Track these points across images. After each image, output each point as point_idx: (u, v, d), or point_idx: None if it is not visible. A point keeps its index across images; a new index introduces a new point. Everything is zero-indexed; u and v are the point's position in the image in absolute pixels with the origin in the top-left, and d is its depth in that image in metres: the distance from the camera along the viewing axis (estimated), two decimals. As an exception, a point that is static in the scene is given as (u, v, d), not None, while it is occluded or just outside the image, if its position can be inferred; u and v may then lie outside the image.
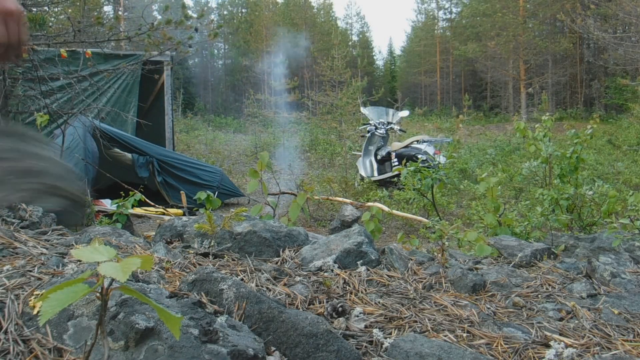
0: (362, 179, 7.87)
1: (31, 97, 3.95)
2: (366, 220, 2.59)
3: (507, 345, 1.10)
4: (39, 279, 1.18)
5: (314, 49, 35.10)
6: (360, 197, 6.76)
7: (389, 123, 8.36)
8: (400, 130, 8.64)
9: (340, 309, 1.22)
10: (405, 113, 9.08)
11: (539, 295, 1.46)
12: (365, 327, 1.18)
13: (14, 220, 1.89)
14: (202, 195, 2.67)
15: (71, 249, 1.52)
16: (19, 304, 1.02)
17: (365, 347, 1.08)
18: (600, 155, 11.16)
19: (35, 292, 1.08)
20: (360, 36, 48.26)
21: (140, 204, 3.61)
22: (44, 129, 3.91)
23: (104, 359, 0.72)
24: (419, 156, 6.45)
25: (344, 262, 1.62)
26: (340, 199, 5.31)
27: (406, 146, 7.79)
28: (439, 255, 1.77)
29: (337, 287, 1.43)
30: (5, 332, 0.92)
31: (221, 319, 0.98)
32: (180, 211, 5.11)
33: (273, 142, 14.80)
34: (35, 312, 0.99)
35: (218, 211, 2.80)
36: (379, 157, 8.13)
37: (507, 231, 2.74)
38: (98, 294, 0.68)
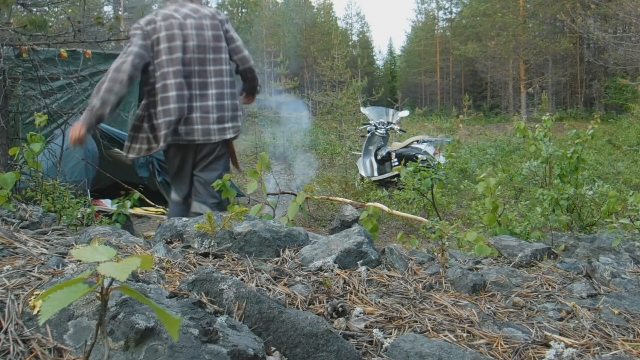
0: (362, 179, 7.88)
1: (31, 97, 3.96)
2: (364, 219, 2.59)
3: (507, 345, 1.10)
4: (39, 279, 1.18)
5: (314, 49, 35.09)
6: (360, 197, 6.76)
7: (389, 123, 8.36)
8: (400, 130, 8.65)
9: (340, 309, 1.22)
10: (405, 113, 9.08)
11: (539, 295, 1.46)
12: (365, 327, 1.18)
13: (14, 220, 1.89)
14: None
15: (71, 249, 1.52)
16: (19, 304, 1.02)
17: (365, 347, 1.08)
18: (600, 155, 11.16)
19: (35, 292, 1.08)
20: (360, 36, 48.28)
21: (141, 204, 3.62)
22: (43, 129, 3.91)
23: (104, 359, 0.72)
24: (419, 156, 6.45)
25: (344, 262, 1.62)
26: (340, 199, 5.31)
27: (406, 146, 7.79)
28: (439, 255, 1.77)
29: (337, 287, 1.43)
30: (5, 332, 0.92)
31: (221, 319, 0.98)
32: (180, 211, 5.10)
33: (273, 142, 14.80)
34: (35, 312, 0.99)
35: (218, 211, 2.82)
36: (379, 157, 8.13)
37: (506, 231, 2.74)
38: (98, 294, 0.68)
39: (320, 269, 1.58)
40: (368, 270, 1.59)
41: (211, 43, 2.77)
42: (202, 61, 2.76)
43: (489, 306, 1.36)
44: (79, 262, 1.32)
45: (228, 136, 2.83)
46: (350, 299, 1.35)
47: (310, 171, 10.33)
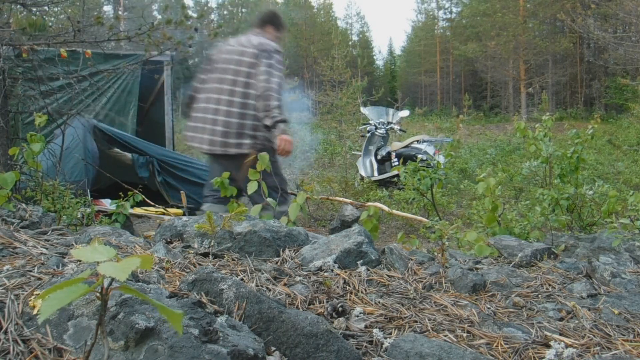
0: (362, 179, 7.87)
1: (31, 97, 3.95)
2: (364, 219, 2.59)
3: (507, 345, 1.10)
4: (39, 279, 1.18)
5: (314, 49, 35.07)
6: (360, 197, 6.75)
7: (389, 123, 8.35)
8: (400, 130, 8.64)
9: (340, 309, 1.22)
10: (405, 113, 9.07)
11: (539, 295, 1.46)
12: (365, 327, 1.18)
13: (14, 220, 1.89)
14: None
15: (71, 249, 1.52)
16: (19, 304, 1.02)
17: (365, 347, 1.08)
18: (600, 155, 11.14)
19: (35, 292, 1.08)
20: (360, 36, 48.30)
21: (140, 203, 3.61)
22: (43, 129, 3.91)
23: (104, 359, 0.72)
24: (419, 156, 6.45)
25: (344, 262, 1.62)
26: (340, 199, 5.31)
27: (406, 146, 7.78)
28: (439, 255, 1.77)
29: (337, 287, 1.43)
30: (5, 332, 0.92)
31: (221, 319, 0.98)
32: (180, 211, 5.11)
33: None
34: (35, 312, 0.99)
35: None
36: (379, 157, 8.12)
37: (506, 231, 2.74)
38: (98, 294, 0.68)
39: (320, 269, 1.58)
40: (368, 270, 1.59)
41: (245, 68, 3.18)
42: (234, 82, 3.19)
43: (489, 306, 1.36)
44: (79, 262, 1.32)
45: (245, 151, 3.17)
46: (350, 299, 1.35)
47: (310, 171, 10.32)
